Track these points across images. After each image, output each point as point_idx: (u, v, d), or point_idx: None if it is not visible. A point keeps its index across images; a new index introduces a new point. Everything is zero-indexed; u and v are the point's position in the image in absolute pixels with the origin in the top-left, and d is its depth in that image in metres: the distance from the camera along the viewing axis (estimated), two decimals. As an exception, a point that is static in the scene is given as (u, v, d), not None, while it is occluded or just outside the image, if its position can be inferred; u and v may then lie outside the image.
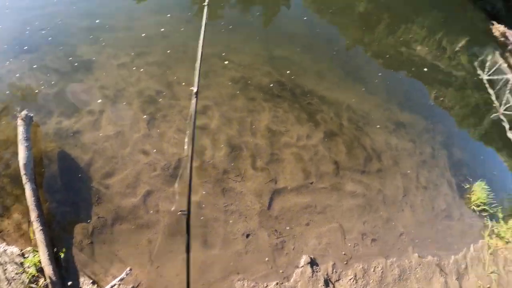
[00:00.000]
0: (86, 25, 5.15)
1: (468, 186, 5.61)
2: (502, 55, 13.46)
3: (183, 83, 4.58)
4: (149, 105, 4.29)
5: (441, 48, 10.53)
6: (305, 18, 7.21)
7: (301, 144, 4.59)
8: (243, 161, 4.17)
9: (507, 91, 10.51)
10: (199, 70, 2.55)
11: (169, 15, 5.49)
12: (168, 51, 4.86)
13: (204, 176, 3.93)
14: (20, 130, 3.62)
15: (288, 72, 5.29)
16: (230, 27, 5.80)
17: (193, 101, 2.38)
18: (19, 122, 3.68)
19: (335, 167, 4.59)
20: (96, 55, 4.72)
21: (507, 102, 9.79)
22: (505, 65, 12.58)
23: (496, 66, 11.88)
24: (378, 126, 5.41)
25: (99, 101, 4.19)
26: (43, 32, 4.89)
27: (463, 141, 6.94)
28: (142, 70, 4.59)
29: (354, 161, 4.77)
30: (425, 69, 8.30)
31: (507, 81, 11.10)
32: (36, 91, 4.19)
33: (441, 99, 7.91)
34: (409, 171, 5.06)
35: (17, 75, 4.33)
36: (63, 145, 3.82)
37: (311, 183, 4.30)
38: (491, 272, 4.71)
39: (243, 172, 4.07)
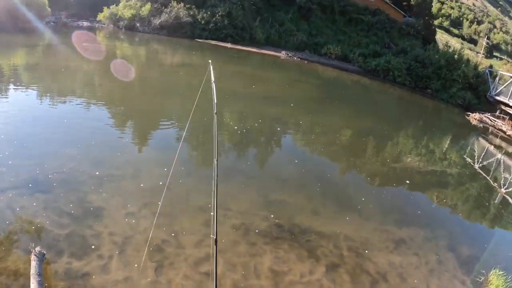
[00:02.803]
0: (96, 173, 5.63)
1: (483, 278, 5.50)
2: (486, 139, 14.19)
3: (186, 233, 4.95)
4: (156, 253, 4.57)
5: (429, 152, 11.16)
6: (296, 160, 7.98)
7: (305, 281, 4.69)
8: (250, 304, 4.19)
9: (502, 171, 10.78)
10: (216, 219, 2.74)
11: (165, 169, 6.00)
12: (171, 202, 5.35)
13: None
14: (33, 264, 3.77)
15: (284, 214, 5.70)
16: (224, 177, 6.39)
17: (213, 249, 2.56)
18: (33, 257, 3.82)
19: (342, 297, 4.59)
20: (105, 203, 5.10)
21: (505, 180, 9.96)
22: (492, 147, 13.18)
23: (484, 151, 12.46)
24: (378, 249, 5.56)
25: (108, 246, 4.44)
26: (54, 175, 5.32)
27: (467, 238, 6.80)
28: (148, 219, 5.00)
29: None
30: (410, 180, 8.59)
31: (498, 161, 11.50)
32: (48, 230, 4.47)
33: (444, 200, 8.08)
34: (418, 283, 5.03)
35: (30, 212, 4.59)
36: (72, 285, 3.93)
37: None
38: None
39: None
